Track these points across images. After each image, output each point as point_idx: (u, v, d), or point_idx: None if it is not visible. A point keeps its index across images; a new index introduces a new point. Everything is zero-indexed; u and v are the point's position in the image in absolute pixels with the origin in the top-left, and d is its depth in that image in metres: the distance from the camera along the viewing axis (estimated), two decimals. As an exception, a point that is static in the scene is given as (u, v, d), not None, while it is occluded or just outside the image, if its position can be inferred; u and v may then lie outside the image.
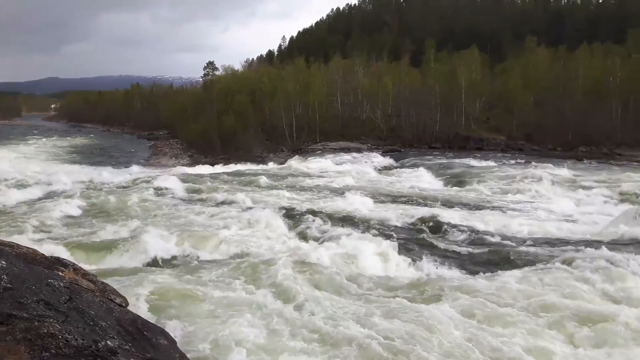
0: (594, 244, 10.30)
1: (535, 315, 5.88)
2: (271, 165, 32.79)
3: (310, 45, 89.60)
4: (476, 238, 11.10)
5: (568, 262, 7.91)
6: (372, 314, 6.00)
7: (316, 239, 10.03)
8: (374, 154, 37.47)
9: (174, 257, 9.28)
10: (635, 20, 60.77)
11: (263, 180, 22.15)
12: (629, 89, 44.96)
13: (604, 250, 9.01)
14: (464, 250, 9.76)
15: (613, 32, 59.82)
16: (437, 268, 8.56)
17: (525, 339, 5.32)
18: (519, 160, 31.35)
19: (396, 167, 30.05)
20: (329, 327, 5.58)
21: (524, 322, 5.70)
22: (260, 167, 31.76)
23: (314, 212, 13.71)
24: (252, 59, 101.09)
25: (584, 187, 19.84)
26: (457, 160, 31.43)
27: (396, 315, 5.92)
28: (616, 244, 10.27)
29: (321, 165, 30.15)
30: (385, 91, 51.38)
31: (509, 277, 7.13)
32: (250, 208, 14.41)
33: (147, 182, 20.62)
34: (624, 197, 17.53)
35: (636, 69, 46.12)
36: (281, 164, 34.71)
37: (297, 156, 38.20)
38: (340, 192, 18.59)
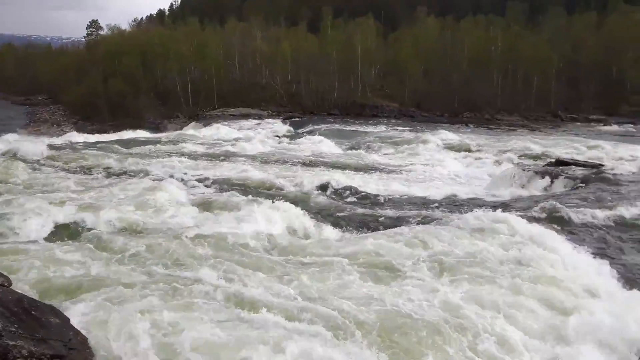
0: (477, 202, 11.22)
1: (429, 269, 6.23)
2: (166, 133, 31.43)
3: (204, 5, 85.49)
4: (370, 200, 11.55)
5: (453, 219, 8.45)
6: (269, 277, 6.00)
7: (214, 207, 9.79)
8: (275, 120, 37.30)
9: (59, 231, 8.57)
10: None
11: (157, 148, 21.17)
12: (508, 59, 48.65)
13: (484, 208, 9.94)
14: (358, 212, 10.08)
15: (495, 4, 63.90)
16: (334, 229, 8.75)
17: (418, 292, 5.60)
18: (410, 127, 32.91)
19: (296, 134, 30.24)
20: (231, 290, 5.53)
21: (413, 277, 6.01)
22: (155, 134, 30.30)
23: (209, 180, 13.42)
24: (142, 18, 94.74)
25: (469, 151, 21.42)
26: (354, 127, 32.33)
27: (293, 277, 6.01)
28: (494, 203, 11.23)
29: (220, 132, 29.45)
30: (284, 57, 50.91)
31: (398, 236, 7.44)
32: (144, 177, 13.73)
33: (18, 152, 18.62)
34: (504, 159, 19.16)
35: (515, 40, 49.92)
36: (177, 130, 33.41)
37: (194, 123, 36.95)
38: (238, 159, 18.34)
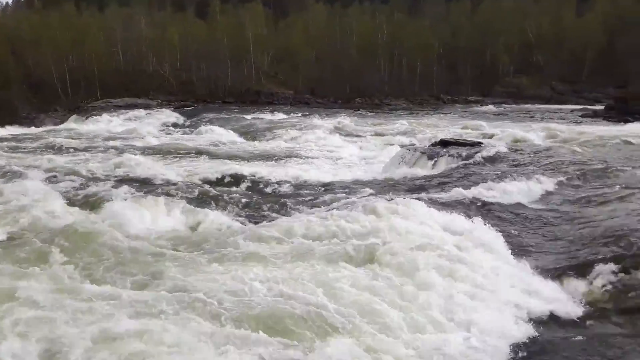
0: (372, 184, 11.67)
1: (325, 255, 6.29)
2: (43, 128, 28.84)
3: (80, -11, 78.97)
4: (270, 188, 11.54)
5: (349, 204, 8.65)
6: (165, 274, 5.71)
7: (95, 205, 9.17)
8: (165, 110, 35.69)
9: None
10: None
11: (32, 145, 19.39)
12: (394, 46, 50.81)
13: (376, 190, 10.40)
14: (258, 200, 10.01)
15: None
16: (232, 220, 8.55)
17: (311, 275, 5.61)
18: (306, 113, 33.24)
19: (190, 124, 29.22)
20: (119, 290, 5.21)
21: (313, 263, 6.02)
22: (31, 130, 27.70)
23: (90, 177, 12.51)
24: (7, 3, 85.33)
25: (362, 135, 22.12)
26: (251, 115, 31.95)
27: (194, 270, 5.80)
28: (386, 184, 11.74)
29: (104, 125, 27.65)
30: (171, 43, 48.76)
31: (295, 220, 7.48)
32: (17, 177, 12.43)
33: None
34: (394, 141, 20.02)
35: (399, 27, 52.22)
36: (57, 125, 30.81)
37: (75, 116, 34.22)
38: (126, 152, 17.31)
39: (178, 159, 16.51)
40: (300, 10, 58.40)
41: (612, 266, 5.87)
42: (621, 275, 5.72)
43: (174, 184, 11.43)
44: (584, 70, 49.47)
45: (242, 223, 8.25)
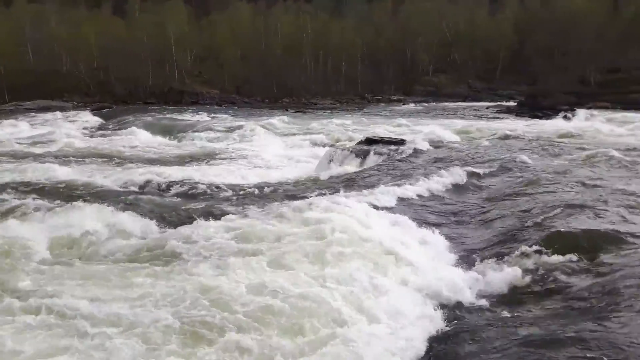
0: (302, 184, 11.71)
1: (259, 253, 6.24)
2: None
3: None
4: (195, 191, 11.25)
5: (277, 207, 8.60)
6: (89, 286, 5.45)
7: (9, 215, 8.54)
8: (82, 112, 33.86)
9: None
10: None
11: None
12: (318, 45, 51.32)
13: (304, 190, 10.45)
14: (180, 205, 9.71)
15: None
16: (160, 228, 8.25)
17: (246, 278, 5.57)
18: (233, 113, 32.79)
19: (109, 126, 27.90)
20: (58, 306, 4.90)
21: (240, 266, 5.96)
22: None
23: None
24: None
25: (292, 134, 22.16)
26: (174, 116, 31.04)
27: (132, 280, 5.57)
28: (314, 184, 11.85)
29: (14, 130, 25.80)
30: (87, 43, 46.31)
31: (223, 224, 7.34)
32: None
33: None
34: (322, 140, 20.24)
35: (323, 27, 52.81)
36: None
37: (-20, 120, 31.66)
38: (40, 158, 16.27)
39: (96, 164, 15.73)
40: (223, 8, 57.45)
41: (527, 251, 6.29)
42: (536, 259, 6.13)
43: (98, 192, 10.86)
44: (498, 68, 52.51)
45: (160, 227, 7.95)
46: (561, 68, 40.39)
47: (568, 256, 6.01)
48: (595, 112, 25.90)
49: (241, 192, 11.03)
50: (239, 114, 31.21)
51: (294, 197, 9.66)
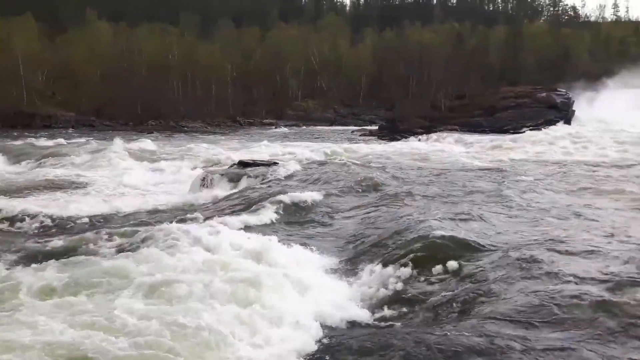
0: (174, 212, 11.23)
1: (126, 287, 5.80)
2: None
3: None
4: (53, 225, 10.20)
5: (151, 237, 8.13)
6: None
7: None
8: None
9: None
10: (186, 3, 67.98)
11: None
12: (186, 67, 50.35)
13: (173, 216, 10.06)
14: (38, 241, 8.78)
15: (170, 14, 64.85)
16: (16, 269, 7.29)
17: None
18: (91, 137, 30.56)
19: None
20: None
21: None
22: None
23: None
24: None
25: (161, 159, 21.13)
26: (22, 140, 28.06)
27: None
28: (185, 209, 11.46)
29: None
30: None
31: (97, 264, 6.76)
32: None
33: None
34: (193, 164, 19.64)
35: (190, 48, 51.99)
36: None
37: None
38: None
39: None
40: (80, 26, 53.76)
41: (389, 263, 6.69)
42: (397, 270, 6.52)
43: None
44: (360, 94, 55.95)
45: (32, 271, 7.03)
46: (416, 94, 44.37)
47: (431, 265, 6.48)
48: (445, 134, 28.80)
49: (107, 222, 10.27)
50: (100, 138, 29.15)
51: (148, 224, 9.18)
